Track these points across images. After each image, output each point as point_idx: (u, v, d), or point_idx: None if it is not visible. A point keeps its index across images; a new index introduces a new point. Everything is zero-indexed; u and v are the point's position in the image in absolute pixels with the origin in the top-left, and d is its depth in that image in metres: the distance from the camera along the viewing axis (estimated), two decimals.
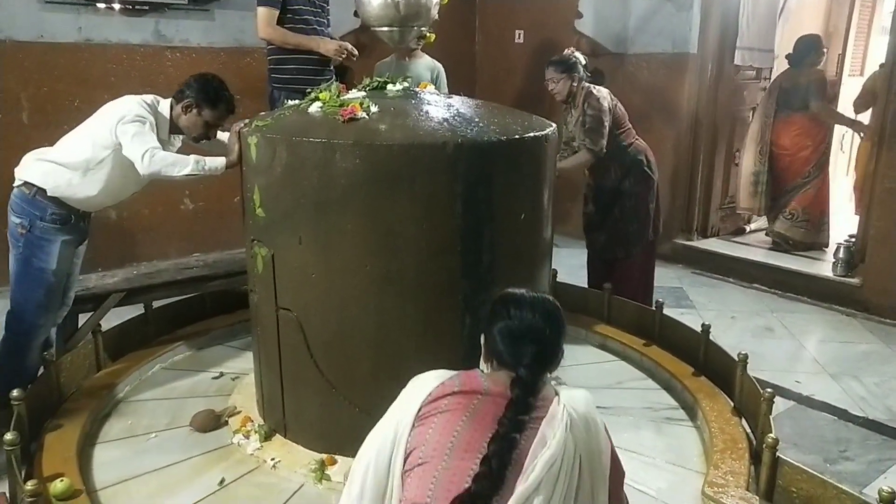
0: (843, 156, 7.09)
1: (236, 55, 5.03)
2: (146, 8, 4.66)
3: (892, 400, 3.33)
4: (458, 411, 1.46)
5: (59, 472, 2.17)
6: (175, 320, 3.31)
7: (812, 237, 5.34)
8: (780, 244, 5.42)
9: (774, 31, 5.76)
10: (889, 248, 4.27)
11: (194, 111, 2.79)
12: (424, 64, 4.29)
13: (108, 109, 2.78)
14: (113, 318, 3.16)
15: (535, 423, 1.44)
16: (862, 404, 3.28)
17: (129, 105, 2.74)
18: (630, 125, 3.89)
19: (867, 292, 4.44)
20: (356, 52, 3.76)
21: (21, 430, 2.19)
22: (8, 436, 2.08)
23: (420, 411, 1.50)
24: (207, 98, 2.79)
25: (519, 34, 6.57)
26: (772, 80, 5.72)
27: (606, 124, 3.72)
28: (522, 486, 1.35)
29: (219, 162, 2.75)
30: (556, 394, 1.53)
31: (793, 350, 3.92)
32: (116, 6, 4.58)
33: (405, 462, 1.47)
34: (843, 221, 5.70)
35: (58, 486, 2.07)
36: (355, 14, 4.41)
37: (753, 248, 5.44)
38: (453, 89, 3.18)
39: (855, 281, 4.55)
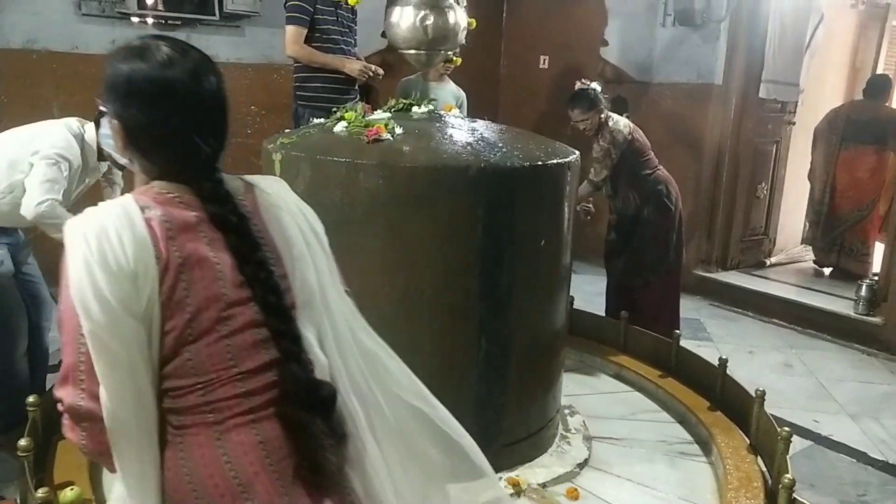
0: None
1: (264, 71, 5.10)
2: (178, 23, 4.74)
3: None
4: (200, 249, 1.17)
5: (70, 479, 2.18)
6: None
7: (861, 268, 5.34)
8: (832, 273, 5.57)
9: (801, 66, 5.74)
10: None
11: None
12: (450, 90, 4.31)
13: (33, 133, 2.65)
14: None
15: (257, 225, 1.25)
16: (882, 447, 3.21)
17: (54, 138, 2.61)
18: (652, 154, 3.89)
19: (889, 332, 4.37)
20: (381, 72, 3.81)
21: (35, 437, 2.20)
22: (21, 442, 2.09)
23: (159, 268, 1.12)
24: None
25: (544, 59, 6.60)
26: (832, 111, 5.66)
27: (614, 157, 3.76)
28: (299, 296, 1.25)
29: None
30: (245, 181, 1.36)
31: (811, 388, 3.86)
32: (150, 20, 4.67)
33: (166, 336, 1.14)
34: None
35: (68, 494, 2.08)
36: (383, 35, 4.47)
37: (773, 282, 5.38)
38: (476, 112, 3.21)
39: (877, 320, 4.48)
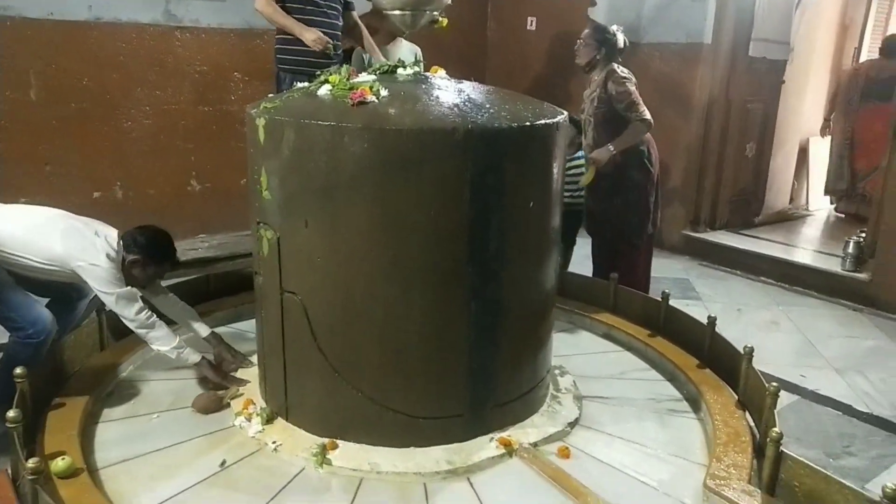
0: None
1: (246, 37, 5.00)
2: None
3: None
4: None
5: (60, 450, 2.18)
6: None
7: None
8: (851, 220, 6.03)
9: (790, 24, 5.69)
10: None
11: (139, 267, 2.71)
12: (407, 48, 4.26)
13: (76, 251, 2.57)
14: None
15: None
16: (867, 400, 3.26)
17: (103, 262, 2.57)
18: None
19: (875, 288, 4.40)
20: (339, 51, 3.75)
21: (24, 408, 2.20)
22: (10, 413, 2.08)
23: None
24: (154, 257, 2.74)
25: (531, 21, 6.50)
26: (852, 70, 6.28)
27: (639, 95, 3.72)
28: None
29: (194, 358, 2.73)
30: None
31: (798, 344, 3.90)
32: None
33: None
34: None
35: (59, 464, 2.08)
36: None
37: (761, 241, 5.40)
38: (463, 74, 3.16)
39: (863, 276, 4.51)
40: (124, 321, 2.61)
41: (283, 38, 3.74)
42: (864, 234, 4.64)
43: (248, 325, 3.29)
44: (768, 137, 5.87)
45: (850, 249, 4.59)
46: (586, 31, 3.86)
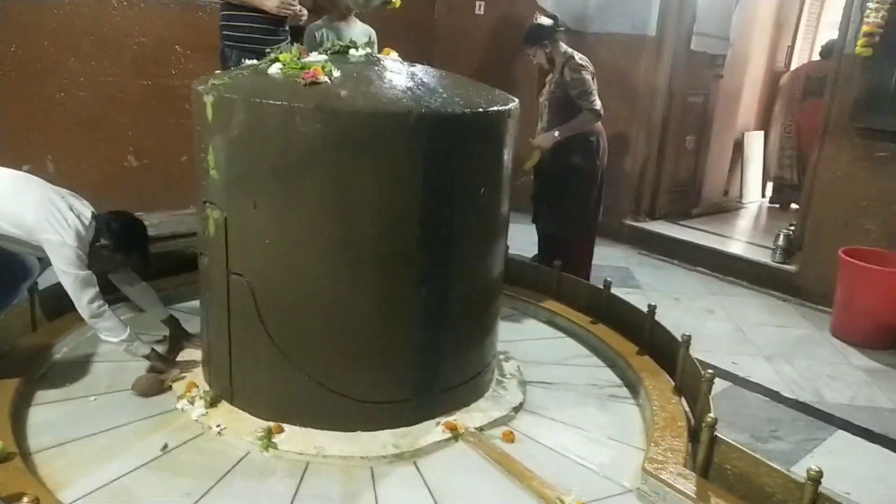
0: None
1: (188, 9, 4.82)
2: None
3: (820, 383, 3.48)
4: None
5: None
6: None
7: None
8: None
9: (730, 20, 5.85)
10: (825, 236, 4.43)
11: (108, 252, 2.62)
12: (361, 29, 4.20)
13: (46, 224, 2.47)
14: (51, 277, 3.02)
15: None
16: (793, 386, 3.42)
17: (70, 240, 2.47)
18: None
19: (803, 279, 4.61)
20: (303, 12, 3.66)
21: None
22: None
23: None
24: (125, 246, 2.66)
25: (479, 5, 6.50)
26: (794, 70, 6.88)
27: (593, 84, 3.78)
28: None
29: (143, 350, 2.64)
30: None
31: (731, 332, 4.05)
32: None
33: None
34: None
35: None
36: None
37: (698, 231, 5.57)
38: (411, 57, 3.13)
39: (792, 268, 4.71)
40: (76, 305, 2.51)
41: (230, 13, 3.63)
42: (793, 227, 4.84)
43: (189, 307, 3.21)
44: (706, 130, 6.05)
45: (780, 242, 4.78)
46: (526, 47, 4.01)
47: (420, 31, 6.51)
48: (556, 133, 3.81)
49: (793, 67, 7.08)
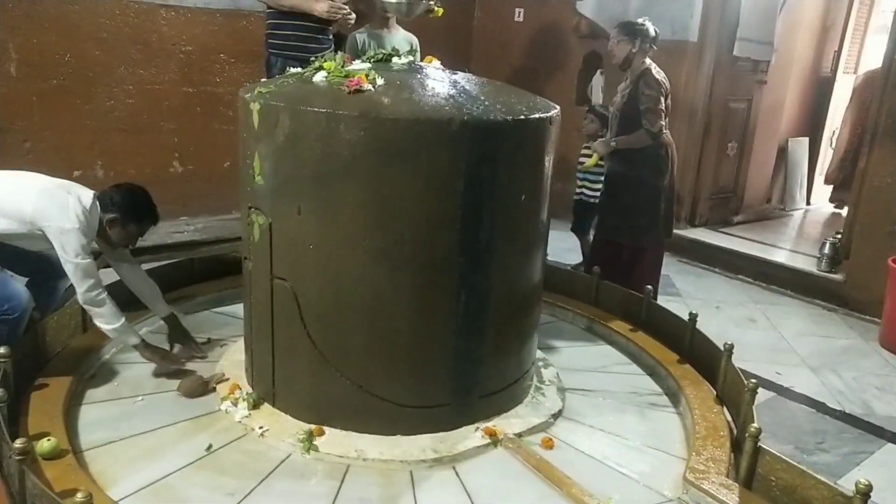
0: None
1: (232, 17, 4.93)
2: None
3: (868, 395, 3.40)
4: None
5: (45, 431, 2.16)
6: (162, 284, 3.25)
7: None
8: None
9: (774, 24, 5.75)
10: (873, 245, 4.32)
11: (119, 226, 2.67)
12: (402, 36, 4.25)
13: (46, 212, 2.53)
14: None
15: None
16: (839, 398, 3.34)
17: (70, 224, 2.52)
18: (666, 120, 3.92)
19: (849, 288, 4.50)
20: (352, 15, 3.71)
21: (7, 388, 2.17)
22: None
23: None
24: (135, 215, 2.70)
25: (519, 12, 6.50)
26: (868, 72, 6.47)
27: (663, 104, 3.74)
28: None
29: (133, 340, 2.70)
30: None
31: (774, 342, 3.98)
32: None
33: None
34: None
35: (45, 445, 2.06)
36: None
37: (740, 239, 5.48)
38: (450, 64, 3.16)
39: (838, 277, 4.61)
40: (77, 290, 2.56)
41: (275, 21, 3.70)
42: (839, 236, 4.73)
43: (232, 310, 3.28)
44: (749, 137, 5.95)
45: (826, 250, 4.68)
46: (615, 29, 3.92)
47: (460, 38, 6.55)
48: (614, 142, 3.81)
49: (839, 72, 6.93)
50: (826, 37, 6.85)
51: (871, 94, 6.08)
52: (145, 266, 3.17)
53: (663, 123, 3.73)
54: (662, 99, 3.73)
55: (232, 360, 2.82)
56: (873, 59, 6.49)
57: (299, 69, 2.67)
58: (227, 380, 2.67)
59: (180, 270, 3.39)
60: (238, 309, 2.91)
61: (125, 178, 4.73)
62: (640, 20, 3.90)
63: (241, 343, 2.82)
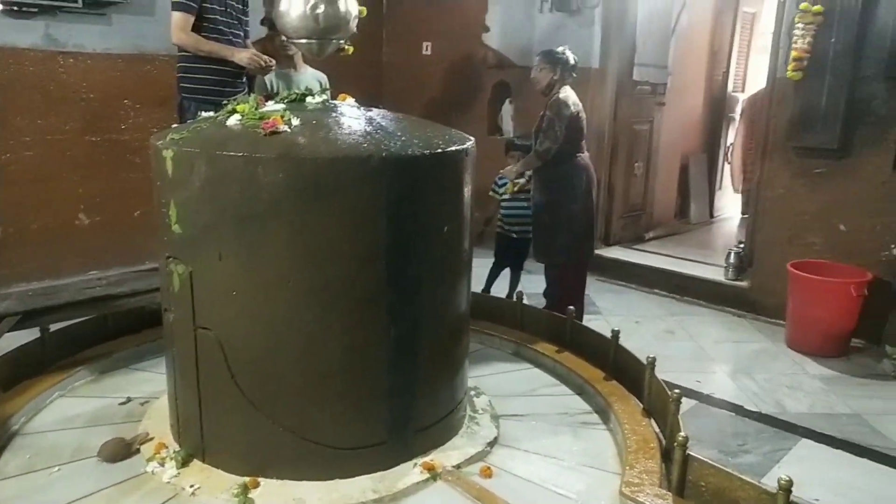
0: None
1: (136, 62, 4.82)
2: (34, 10, 4.37)
3: (780, 394, 3.59)
4: None
5: None
6: (74, 343, 3.11)
7: None
8: None
9: (668, 49, 6.10)
10: (774, 252, 4.60)
11: None
12: (311, 74, 4.29)
13: None
14: (3, 344, 2.94)
15: None
16: (755, 399, 3.51)
17: None
18: (582, 140, 4.06)
19: (755, 294, 4.76)
20: (272, 62, 3.72)
21: None
22: None
23: None
24: None
25: (426, 46, 6.64)
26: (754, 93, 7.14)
27: (557, 130, 3.87)
28: None
29: None
30: None
31: (692, 351, 4.15)
32: (0, 7, 4.28)
33: None
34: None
35: None
36: (262, 22, 4.35)
37: (652, 254, 5.72)
38: (359, 97, 3.22)
39: (744, 284, 4.87)
40: None
41: (189, 65, 3.65)
42: (742, 245, 5.01)
43: (152, 365, 3.15)
44: (653, 156, 6.25)
45: (732, 260, 4.95)
46: (537, 57, 4.09)
47: (370, 73, 6.61)
48: (517, 167, 3.96)
49: (728, 91, 7.40)
50: (715, 59, 7.30)
51: (758, 111, 6.67)
52: (55, 326, 3.02)
53: (552, 146, 3.89)
54: (560, 123, 3.88)
55: (155, 418, 2.70)
56: (758, 77, 6.97)
57: (212, 113, 2.63)
58: (152, 439, 2.55)
59: (94, 327, 3.23)
60: (159, 363, 2.80)
61: (26, 233, 4.54)
62: (559, 49, 4.06)
63: (164, 399, 2.71)
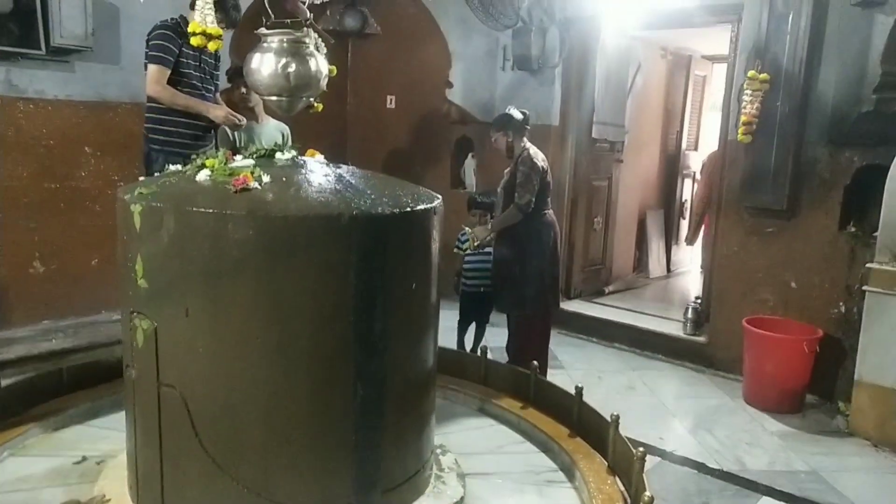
0: None
1: (98, 109, 4.77)
2: None
3: (740, 451, 3.64)
4: None
5: None
6: (25, 399, 2.99)
7: None
8: None
9: (625, 109, 6.32)
10: (728, 307, 4.72)
11: None
12: (274, 126, 4.34)
13: None
14: None
15: None
16: (717, 456, 3.56)
17: None
18: (549, 196, 4.17)
19: (713, 349, 4.86)
20: (244, 120, 3.76)
21: None
22: None
23: None
24: None
25: (391, 100, 6.75)
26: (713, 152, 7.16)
27: (534, 182, 3.97)
28: None
29: None
30: None
31: (654, 407, 4.20)
32: None
33: None
34: None
35: None
36: (226, 73, 4.40)
37: (612, 308, 5.81)
38: (323, 149, 3.26)
39: (702, 339, 4.97)
40: None
41: (159, 117, 3.66)
42: (699, 300, 5.13)
43: (109, 422, 3.04)
44: (612, 211, 6.40)
45: (689, 314, 5.05)
46: (491, 127, 4.24)
47: (334, 125, 6.67)
48: (489, 226, 4.02)
49: (682, 149, 7.67)
50: (669, 118, 7.59)
51: (716, 168, 7.02)
52: (6, 381, 2.91)
53: (532, 199, 3.97)
54: (536, 176, 3.97)
55: (112, 478, 2.60)
56: (711, 134, 7.25)
57: (179, 166, 2.62)
58: (109, 500, 2.46)
59: (48, 381, 3.12)
60: (116, 420, 2.71)
61: None
62: (506, 112, 4.18)
63: (122, 458, 2.62)
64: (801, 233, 4.45)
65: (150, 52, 3.61)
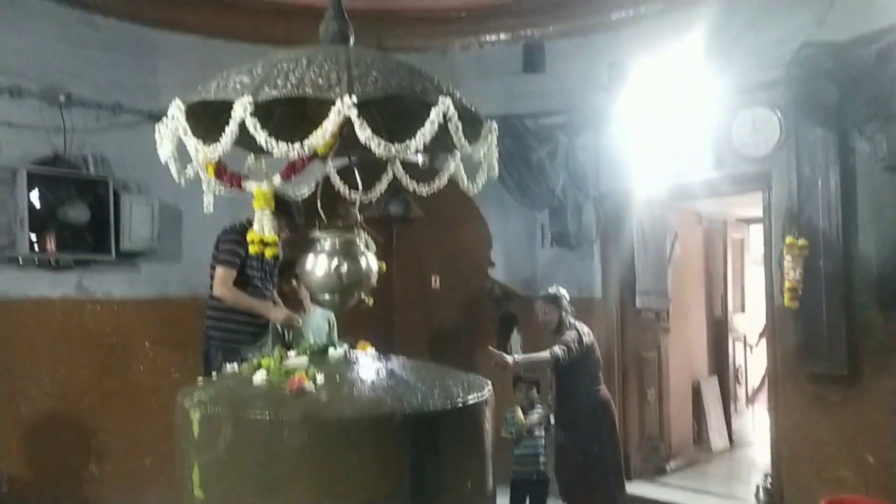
0: None
1: (160, 305, 5.00)
2: (70, 265, 4.64)
3: None
4: None
5: None
6: None
7: None
8: None
9: (666, 277, 6.35)
10: (803, 488, 4.38)
11: None
12: (321, 314, 4.48)
13: None
14: None
15: None
16: None
17: None
18: (600, 372, 4.23)
19: None
20: (300, 321, 3.95)
21: None
22: None
23: None
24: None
25: (435, 279, 6.93)
26: None
27: (574, 348, 4.09)
28: None
29: None
30: None
31: None
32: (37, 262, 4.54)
33: None
34: None
35: None
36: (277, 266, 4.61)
37: (677, 489, 5.47)
38: (371, 332, 3.37)
39: None
40: None
41: (220, 315, 3.84)
42: (769, 478, 4.81)
43: None
44: (665, 382, 6.23)
45: (761, 496, 4.72)
46: (538, 303, 4.43)
47: (380, 308, 6.77)
48: (517, 357, 4.10)
49: (729, 312, 7.57)
50: (712, 283, 7.57)
51: None
52: None
53: (565, 356, 4.07)
54: (577, 344, 4.12)
55: None
56: (756, 293, 7.16)
57: (237, 365, 2.71)
58: None
59: None
60: None
61: (34, 485, 4.38)
62: (552, 289, 4.30)
63: None
64: (870, 400, 4.23)
65: (219, 256, 3.84)
